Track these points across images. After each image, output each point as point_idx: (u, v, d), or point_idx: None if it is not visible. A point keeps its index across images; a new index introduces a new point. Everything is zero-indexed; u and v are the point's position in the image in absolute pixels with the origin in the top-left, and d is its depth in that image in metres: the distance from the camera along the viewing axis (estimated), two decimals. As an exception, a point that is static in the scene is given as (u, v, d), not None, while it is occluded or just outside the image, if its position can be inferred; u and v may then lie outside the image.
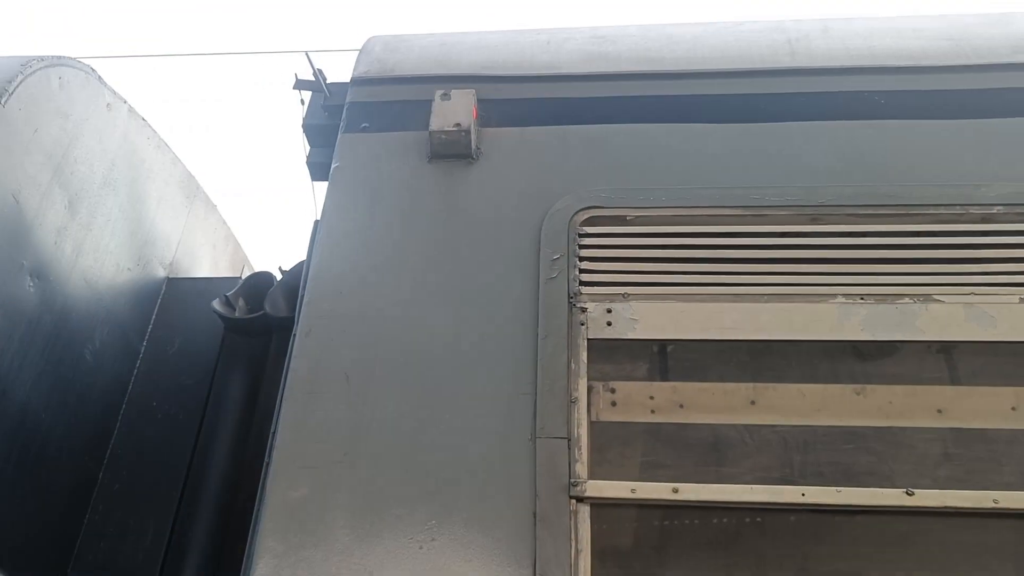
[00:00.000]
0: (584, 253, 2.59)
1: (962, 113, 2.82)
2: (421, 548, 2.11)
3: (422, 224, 2.72)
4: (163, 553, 3.49)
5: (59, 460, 3.48)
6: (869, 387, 2.32)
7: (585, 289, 2.52)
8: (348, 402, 2.36)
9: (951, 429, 2.25)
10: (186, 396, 3.87)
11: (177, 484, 3.65)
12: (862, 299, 2.44)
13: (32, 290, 3.38)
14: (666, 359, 2.43)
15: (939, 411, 2.27)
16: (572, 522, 2.11)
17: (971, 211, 2.58)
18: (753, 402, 2.32)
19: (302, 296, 2.62)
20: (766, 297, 2.47)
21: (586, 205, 2.67)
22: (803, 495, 2.13)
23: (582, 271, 2.55)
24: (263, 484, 2.27)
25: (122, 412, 3.85)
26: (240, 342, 3.90)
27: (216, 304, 3.93)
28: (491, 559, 2.07)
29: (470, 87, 2.98)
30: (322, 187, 2.98)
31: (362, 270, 2.64)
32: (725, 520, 2.16)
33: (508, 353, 2.40)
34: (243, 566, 2.18)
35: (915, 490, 2.11)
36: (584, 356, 2.38)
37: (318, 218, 2.86)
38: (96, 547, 3.52)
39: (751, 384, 2.35)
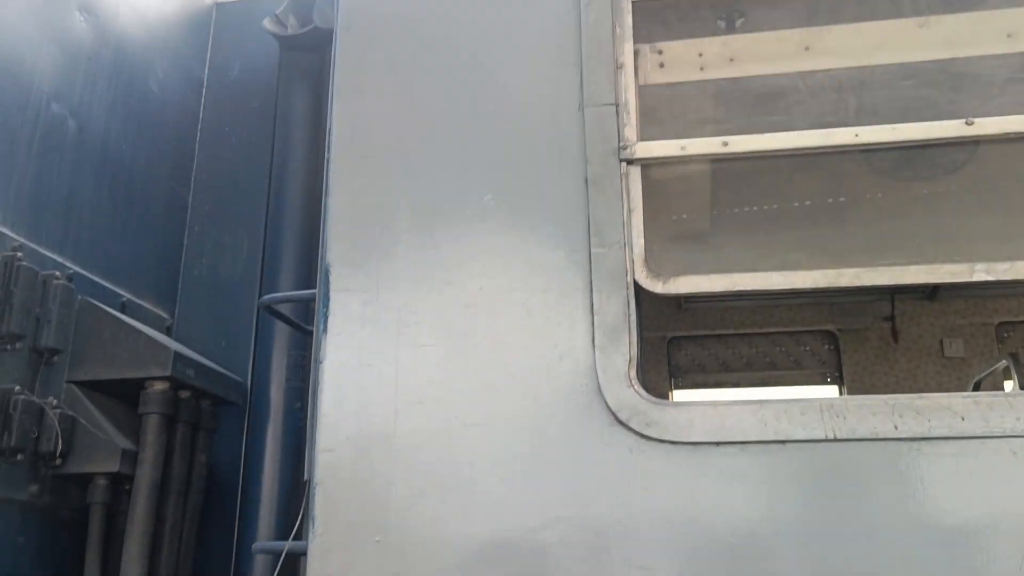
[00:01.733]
0: (625, -91, 2.41)
1: None
2: (482, 221, 2.20)
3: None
4: (260, 264, 3.77)
5: (148, 188, 3.69)
6: (933, 18, 2.18)
7: (628, -52, 2.37)
8: (397, 94, 2.38)
9: (1020, 54, 2.12)
10: (254, 118, 3.97)
11: (262, 201, 3.85)
12: (930, -77, 2.23)
13: (84, 24, 3.41)
14: (715, 12, 2.32)
15: (1009, 35, 2.14)
16: (624, 183, 2.15)
17: None
18: (807, 47, 2.23)
19: (339, -9, 2.56)
20: (824, -66, 2.28)
21: None
22: (856, 136, 2.09)
23: (623, -71, 2.39)
24: (326, 178, 2.37)
25: (198, 139, 4.00)
26: (296, 58, 3.91)
27: (267, 23, 3.90)
28: (547, 224, 2.16)
29: None
30: None
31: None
32: (777, 170, 2.16)
33: (552, 21, 2.33)
34: (319, 252, 2.34)
35: (975, 119, 2.04)
36: (629, 19, 2.29)
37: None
38: (199, 263, 3.82)
39: (805, 29, 2.24)
